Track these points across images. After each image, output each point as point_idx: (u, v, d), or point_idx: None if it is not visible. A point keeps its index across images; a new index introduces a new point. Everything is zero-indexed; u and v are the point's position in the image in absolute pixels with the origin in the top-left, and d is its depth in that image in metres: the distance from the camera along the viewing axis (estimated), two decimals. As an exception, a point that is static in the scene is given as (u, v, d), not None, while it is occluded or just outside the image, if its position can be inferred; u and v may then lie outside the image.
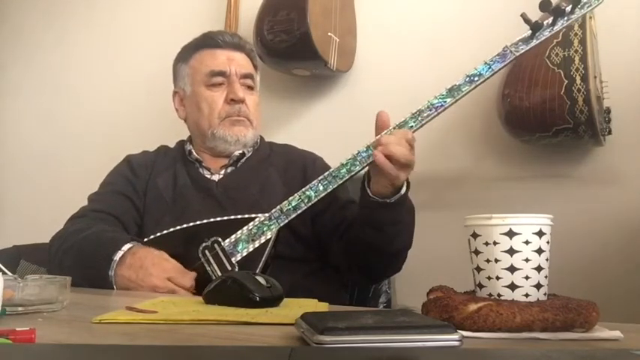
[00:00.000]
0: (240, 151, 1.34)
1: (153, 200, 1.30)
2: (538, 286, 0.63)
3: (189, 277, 1.06)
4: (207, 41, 1.36)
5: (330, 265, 1.28)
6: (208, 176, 1.33)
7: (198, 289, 1.04)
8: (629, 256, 1.50)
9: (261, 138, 1.43)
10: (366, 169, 1.10)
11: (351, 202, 1.27)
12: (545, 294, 0.64)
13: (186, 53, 1.38)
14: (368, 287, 1.47)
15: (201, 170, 1.34)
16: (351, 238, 1.17)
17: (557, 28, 1.10)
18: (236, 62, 1.34)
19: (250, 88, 1.36)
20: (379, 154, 1.02)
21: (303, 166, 1.34)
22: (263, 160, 1.36)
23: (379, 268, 1.22)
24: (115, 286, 1.07)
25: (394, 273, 1.24)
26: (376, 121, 1.07)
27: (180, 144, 1.43)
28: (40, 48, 2.53)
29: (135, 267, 1.06)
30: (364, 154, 1.08)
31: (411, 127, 1.07)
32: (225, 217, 1.14)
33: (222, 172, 1.34)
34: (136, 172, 1.34)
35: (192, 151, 1.36)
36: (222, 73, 1.32)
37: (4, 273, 0.77)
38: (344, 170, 1.10)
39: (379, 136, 1.06)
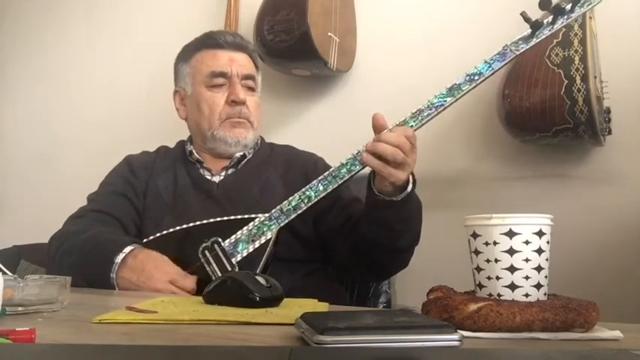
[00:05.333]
0: (241, 153, 1.33)
1: (152, 201, 1.29)
2: (538, 286, 0.63)
3: (191, 280, 1.06)
4: (209, 41, 1.35)
5: (336, 263, 1.28)
6: (209, 177, 1.33)
7: (198, 289, 1.04)
8: (629, 256, 1.50)
9: (262, 139, 1.43)
10: (368, 168, 1.10)
11: (354, 200, 1.27)
12: (545, 294, 0.64)
13: (188, 53, 1.37)
14: (374, 284, 1.47)
15: (201, 171, 1.34)
16: (358, 236, 1.16)
17: (557, 26, 1.10)
18: (237, 63, 1.33)
19: (251, 89, 1.35)
20: (364, 152, 1.03)
21: (305, 168, 1.33)
22: (263, 162, 1.35)
23: (386, 265, 1.22)
24: (116, 288, 1.07)
25: (402, 269, 1.23)
26: (372, 125, 1.05)
27: (181, 144, 1.42)
28: (39, 48, 2.53)
29: (137, 269, 1.06)
30: None
31: (411, 126, 1.07)
32: (225, 218, 1.14)
33: (223, 173, 1.33)
34: (136, 173, 1.33)
35: (193, 151, 1.35)
36: (223, 74, 1.31)
37: (4, 273, 0.77)
38: (344, 170, 1.10)
39: (378, 135, 1.04)
